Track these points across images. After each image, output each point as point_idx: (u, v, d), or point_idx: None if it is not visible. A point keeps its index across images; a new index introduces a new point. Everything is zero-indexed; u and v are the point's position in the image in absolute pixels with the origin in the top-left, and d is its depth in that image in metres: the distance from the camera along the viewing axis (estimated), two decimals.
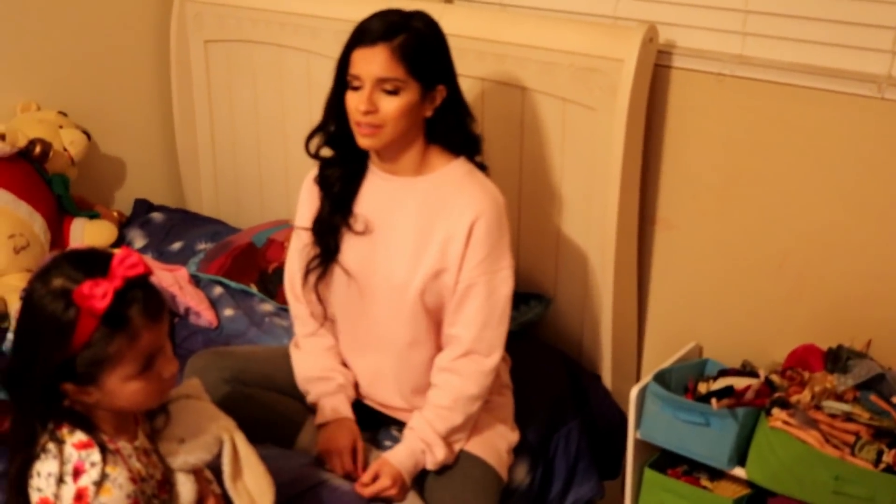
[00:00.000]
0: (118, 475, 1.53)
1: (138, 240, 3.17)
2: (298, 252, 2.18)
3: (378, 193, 2.09)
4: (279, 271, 2.33)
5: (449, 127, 2.04)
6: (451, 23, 2.16)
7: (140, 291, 1.51)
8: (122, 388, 1.52)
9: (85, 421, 1.55)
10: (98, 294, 1.45)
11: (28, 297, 1.52)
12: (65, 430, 1.53)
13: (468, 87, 2.46)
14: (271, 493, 1.75)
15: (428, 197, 2.04)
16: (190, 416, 1.72)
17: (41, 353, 1.48)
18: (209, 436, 1.70)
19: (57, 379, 1.50)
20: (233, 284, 2.81)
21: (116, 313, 1.47)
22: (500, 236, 2.00)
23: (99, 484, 1.50)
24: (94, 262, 1.50)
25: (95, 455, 1.51)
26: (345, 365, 2.20)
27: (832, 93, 2.18)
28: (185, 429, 1.70)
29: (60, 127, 3.09)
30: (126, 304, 1.48)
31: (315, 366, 2.17)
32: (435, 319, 2.07)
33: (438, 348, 2.10)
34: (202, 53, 3.31)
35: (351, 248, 2.10)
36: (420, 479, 2.06)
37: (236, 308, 2.71)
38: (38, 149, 2.93)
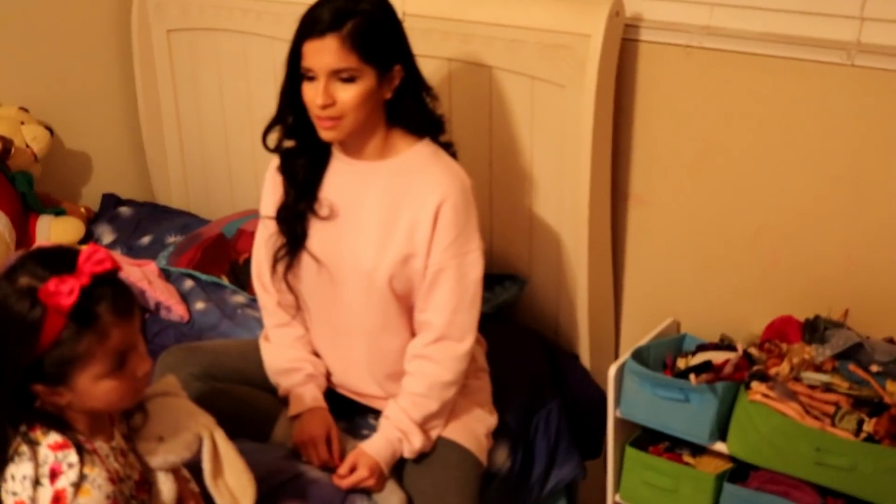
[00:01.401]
0: (96, 476, 1.49)
1: (107, 235, 3.13)
2: (265, 241, 2.15)
3: (342, 179, 2.05)
4: (250, 263, 2.30)
5: (409, 107, 2.00)
6: (415, 3, 2.14)
7: (108, 288, 1.47)
8: (94, 387, 1.49)
9: (59, 421, 1.51)
10: (64, 291, 1.42)
11: None
12: (38, 432, 1.50)
13: (434, 69, 2.44)
14: (252, 489, 1.73)
15: (392, 181, 2.01)
16: (168, 414, 1.69)
17: (8, 354, 1.45)
18: (189, 433, 1.68)
19: (26, 380, 1.46)
20: (204, 277, 2.78)
21: (84, 310, 1.44)
22: (467, 218, 1.97)
23: (77, 485, 1.47)
24: (60, 260, 1.47)
25: (73, 456, 1.48)
26: (316, 354, 2.17)
27: (801, 61, 2.16)
28: (164, 427, 1.67)
29: (22, 123, 3.04)
30: (94, 300, 1.45)
31: (284, 357, 2.14)
32: (405, 305, 2.05)
33: (411, 334, 2.07)
34: (165, 43, 3.26)
35: (317, 235, 2.07)
36: (399, 467, 2.04)
37: (208, 301, 2.68)
38: None
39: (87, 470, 1.48)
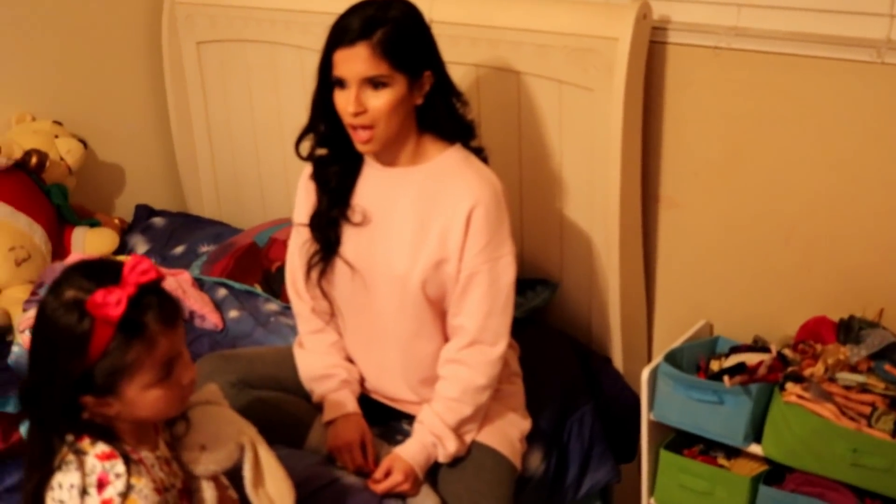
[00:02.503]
0: (143, 486, 1.50)
1: (140, 245, 3.16)
2: (298, 249, 2.16)
3: (375, 185, 2.07)
4: (283, 270, 2.32)
5: (440, 113, 2.01)
6: (442, 10, 2.15)
7: (154, 297, 1.49)
8: (143, 397, 1.50)
9: (106, 432, 1.53)
10: (112, 302, 1.43)
11: (41, 312, 1.49)
12: (86, 442, 1.51)
13: (462, 75, 2.45)
14: (291, 498, 1.74)
15: (424, 186, 2.02)
16: (210, 423, 1.70)
17: (59, 366, 1.46)
18: (231, 443, 1.69)
19: (76, 392, 1.48)
20: (237, 285, 2.80)
21: (132, 321, 1.45)
22: (499, 223, 1.98)
23: (124, 495, 1.48)
24: (104, 271, 1.48)
25: (119, 466, 1.49)
26: (349, 360, 2.18)
27: (831, 60, 2.15)
28: (207, 436, 1.68)
29: (56, 136, 3.08)
30: (141, 310, 1.46)
31: (318, 364, 2.15)
32: (438, 310, 2.05)
33: (444, 339, 2.08)
34: (195, 55, 3.29)
35: (350, 241, 2.08)
36: (433, 471, 2.05)
37: (241, 309, 2.70)
38: (34, 160, 2.92)
39: (133, 480, 1.49)
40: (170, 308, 1.52)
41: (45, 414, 1.51)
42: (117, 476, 1.48)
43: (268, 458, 1.72)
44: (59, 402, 1.48)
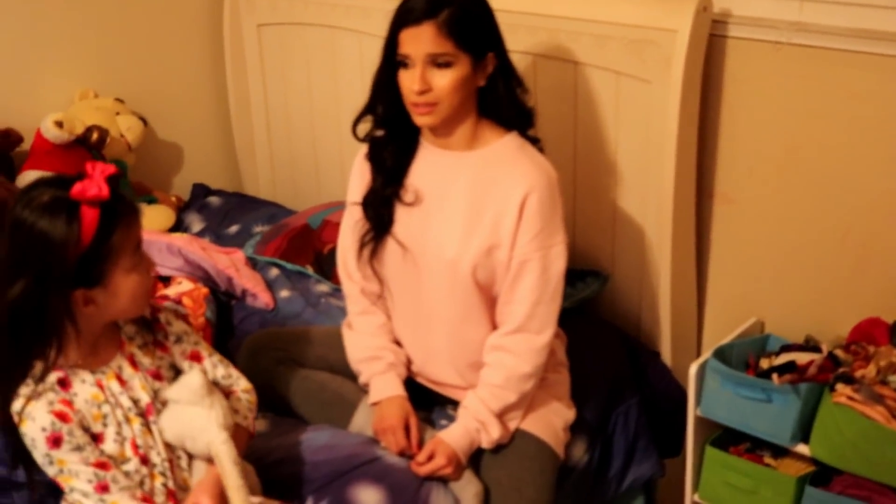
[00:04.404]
0: (33, 408, 1.61)
1: (196, 224, 3.20)
2: (351, 228, 2.18)
3: (430, 167, 2.08)
4: (335, 252, 2.34)
5: (501, 97, 2.02)
6: None
7: (116, 189, 1.60)
8: (125, 283, 1.63)
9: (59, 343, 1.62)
10: (94, 186, 1.54)
11: (15, 227, 1.57)
12: None
13: (519, 62, 2.43)
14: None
15: (480, 172, 2.02)
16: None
17: (52, 264, 1.54)
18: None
19: (72, 285, 1.58)
20: (289, 266, 2.83)
21: (110, 205, 1.56)
22: (552, 211, 1.98)
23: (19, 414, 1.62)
24: (64, 178, 1.59)
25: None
26: (397, 343, 2.19)
27: (894, 57, 2.11)
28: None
29: (117, 114, 3.13)
30: (114, 196, 1.57)
31: (366, 345, 2.17)
32: (487, 296, 2.06)
33: (492, 326, 2.08)
34: (255, 37, 3.32)
35: (403, 220, 2.09)
36: (476, 457, 2.05)
37: (292, 289, 2.73)
38: (95, 135, 2.96)
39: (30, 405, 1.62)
40: (128, 197, 1.66)
41: (26, 325, 1.59)
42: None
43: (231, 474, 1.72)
44: (50, 305, 1.56)
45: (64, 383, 1.65)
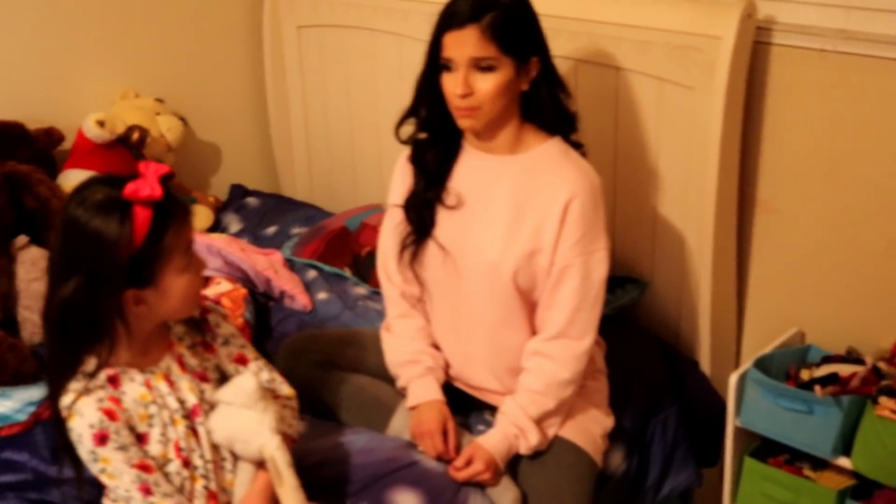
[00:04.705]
0: (83, 404, 1.61)
1: (234, 224, 3.21)
2: (392, 230, 2.18)
3: (472, 171, 2.07)
4: (372, 255, 2.34)
5: (544, 101, 2.01)
6: (543, 2, 2.13)
7: (168, 189, 1.60)
8: (176, 283, 1.62)
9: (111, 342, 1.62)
10: (147, 186, 1.54)
11: (69, 225, 1.57)
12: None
13: (561, 67, 2.41)
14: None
15: (522, 176, 2.02)
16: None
17: (104, 264, 1.54)
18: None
19: (124, 286, 1.58)
20: (326, 268, 2.83)
21: (163, 205, 1.57)
22: (595, 217, 1.97)
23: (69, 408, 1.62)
24: (117, 178, 1.59)
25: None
26: (436, 347, 2.19)
27: None
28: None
29: (158, 114, 3.15)
30: (167, 196, 1.58)
31: (405, 349, 2.16)
32: (528, 301, 2.05)
33: (532, 331, 2.07)
34: (295, 39, 3.33)
35: (444, 223, 2.09)
36: (513, 464, 2.04)
37: (330, 291, 2.73)
38: (135, 135, 2.99)
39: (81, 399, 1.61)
40: (180, 197, 1.66)
41: (77, 323, 1.59)
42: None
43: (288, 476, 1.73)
44: (102, 304, 1.56)
45: (114, 381, 1.66)
